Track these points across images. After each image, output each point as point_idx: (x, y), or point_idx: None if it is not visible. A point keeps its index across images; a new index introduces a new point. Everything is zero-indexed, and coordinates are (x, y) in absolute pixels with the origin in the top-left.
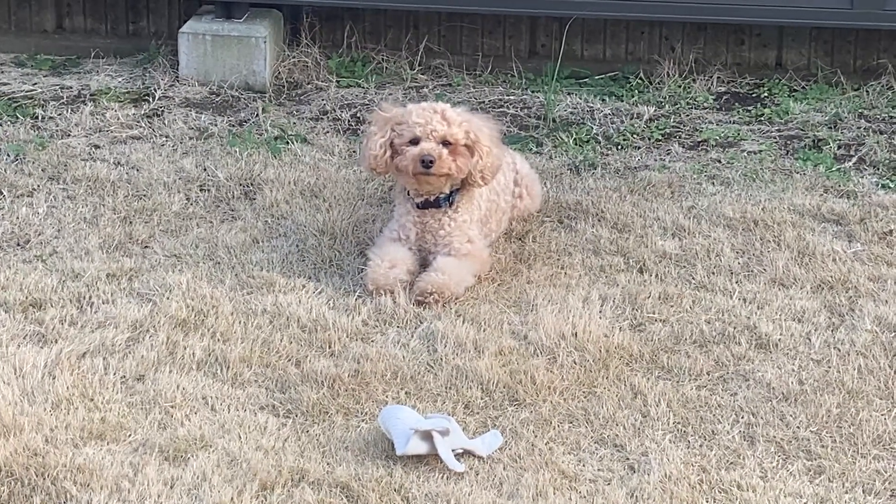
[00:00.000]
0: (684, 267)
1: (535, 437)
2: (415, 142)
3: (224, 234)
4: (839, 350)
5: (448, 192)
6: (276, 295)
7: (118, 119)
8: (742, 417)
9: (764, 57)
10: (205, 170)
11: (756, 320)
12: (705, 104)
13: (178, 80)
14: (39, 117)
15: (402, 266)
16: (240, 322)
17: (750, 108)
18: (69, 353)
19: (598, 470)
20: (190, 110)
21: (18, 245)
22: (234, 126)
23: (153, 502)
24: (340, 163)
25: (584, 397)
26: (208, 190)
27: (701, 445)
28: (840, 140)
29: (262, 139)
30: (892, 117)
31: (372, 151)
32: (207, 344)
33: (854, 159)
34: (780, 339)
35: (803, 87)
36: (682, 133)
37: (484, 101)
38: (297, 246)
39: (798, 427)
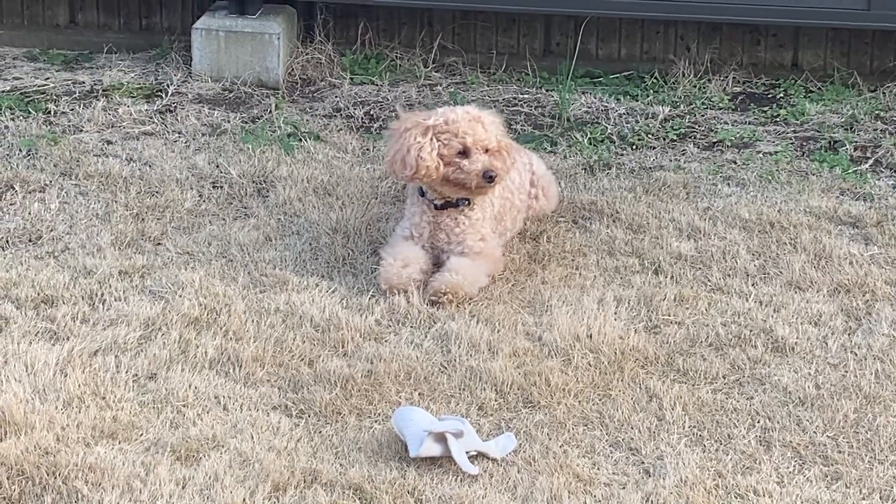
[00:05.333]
0: (700, 269)
1: (550, 439)
2: (464, 153)
3: (237, 232)
4: (856, 354)
5: None
6: (289, 293)
7: (131, 115)
8: (758, 422)
9: (780, 57)
10: (217, 167)
11: (772, 323)
12: (721, 104)
13: (190, 76)
14: (52, 112)
15: (416, 265)
16: (252, 321)
17: (765, 108)
18: (81, 351)
19: (613, 474)
20: (203, 106)
21: (30, 241)
22: (246, 123)
23: (165, 502)
24: (354, 160)
25: (599, 400)
26: (221, 187)
27: (717, 450)
28: (856, 142)
29: (276, 136)
30: None
31: (426, 162)
32: (220, 343)
33: (870, 161)
34: (796, 343)
35: (819, 88)
36: (697, 133)
37: (498, 100)
38: (311, 244)
39: (815, 432)
